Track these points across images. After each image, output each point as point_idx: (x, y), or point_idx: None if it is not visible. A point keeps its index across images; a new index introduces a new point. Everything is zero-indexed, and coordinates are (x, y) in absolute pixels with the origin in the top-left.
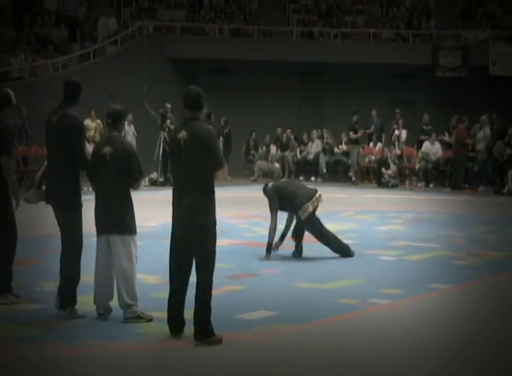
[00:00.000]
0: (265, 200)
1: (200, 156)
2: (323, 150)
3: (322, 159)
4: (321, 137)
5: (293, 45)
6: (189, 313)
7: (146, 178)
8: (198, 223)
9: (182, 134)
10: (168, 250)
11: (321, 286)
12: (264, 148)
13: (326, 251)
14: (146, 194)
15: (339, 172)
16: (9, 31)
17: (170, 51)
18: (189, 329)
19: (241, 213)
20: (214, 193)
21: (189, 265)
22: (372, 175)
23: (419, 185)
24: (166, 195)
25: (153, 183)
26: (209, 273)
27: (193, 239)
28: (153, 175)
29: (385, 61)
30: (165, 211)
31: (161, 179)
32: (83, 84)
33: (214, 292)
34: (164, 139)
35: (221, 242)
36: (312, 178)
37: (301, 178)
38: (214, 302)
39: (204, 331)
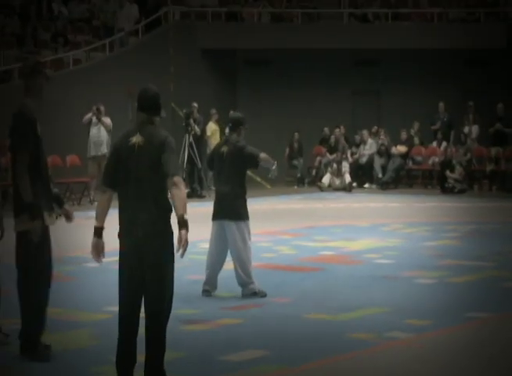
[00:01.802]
0: (298, 214)
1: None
2: (378, 151)
3: (377, 162)
4: (376, 137)
5: (345, 29)
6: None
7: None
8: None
9: (137, 139)
10: None
11: (333, 317)
12: (334, 165)
13: (354, 273)
14: None
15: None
16: (15, 24)
17: (201, 41)
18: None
19: (266, 229)
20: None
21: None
22: (436, 180)
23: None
24: (190, 209)
25: None
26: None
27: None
28: None
29: (453, 46)
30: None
31: (187, 190)
32: (98, 82)
33: (203, 327)
34: (190, 143)
35: (231, 265)
36: (366, 185)
37: (354, 184)
38: (198, 340)
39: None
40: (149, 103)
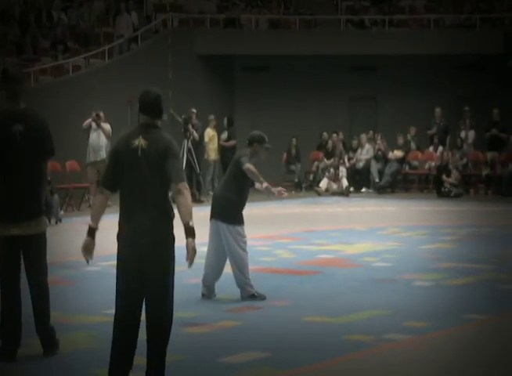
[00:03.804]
0: (296, 219)
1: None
2: (375, 156)
3: (374, 167)
4: (372, 141)
5: (342, 35)
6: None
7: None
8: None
9: (140, 141)
10: None
11: (333, 320)
12: (332, 170)
13: (352, 276)
14: None
15: (397, 181)
16: (14, 31)
17: (199, 47)
18: None
19: (266, 233)
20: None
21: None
22: (432, 184)
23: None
24: None
25: None
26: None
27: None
28: None
29: (449, 51)
30: (182, 232)
31: None
32: (98, 88)
33: (202, 330)
34: (188, 149)
35: (230, 268)
36: (363, 190)
37: (351, 189)
38: (197, 343)
39: None
40: (152, 106)
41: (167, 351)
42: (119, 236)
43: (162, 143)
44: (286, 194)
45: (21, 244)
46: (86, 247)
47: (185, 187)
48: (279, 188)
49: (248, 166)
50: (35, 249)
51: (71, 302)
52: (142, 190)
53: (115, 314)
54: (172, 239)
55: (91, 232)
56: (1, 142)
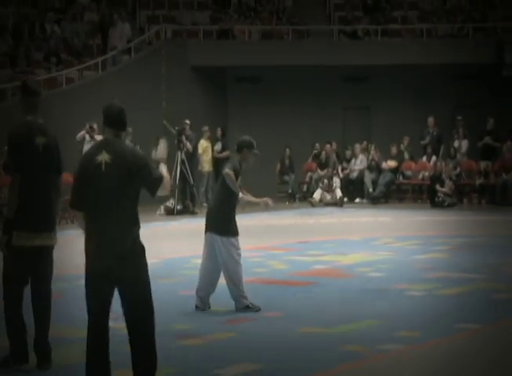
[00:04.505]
0: (290, 230)
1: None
2: (369, 166)
3: (368, 177)
4: (366, 152)
5: (335, 46)
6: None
7: (162, 207)
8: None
9: (103, 156)
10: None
11: (326, 330)
12: (325, 181)
13: (346, 287)
14: (160, 225)
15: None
16: (7, 43)
17: (192, 58)
18: None
19: (259, 244)
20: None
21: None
22: (426, 194)
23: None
24: (183, 225)
25: (170, 212)
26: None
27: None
28: (170, 203)
29: (442, 61)
30: (176, 244)
31: (179, 207)
32: (91, 100)
33: (196, 341)
34: (182, 160)
35: (223, 279)
36: (357, 200)
37: (345, 199)
38: (191, 355)
39: None
40: (117, 119)
41: (158, 361)
42: (87, 254)
43: (127, 155)
44: (271, 204)
45: (35, 255)
46: None
47: (164, 176)
48: (265, 198)
49: (228, 171)
50: (49, 260)
51: (63, 315)
52: (106, 203)
53: (88, 321)
54: (140, 247)
55: None
56: (26, 153)
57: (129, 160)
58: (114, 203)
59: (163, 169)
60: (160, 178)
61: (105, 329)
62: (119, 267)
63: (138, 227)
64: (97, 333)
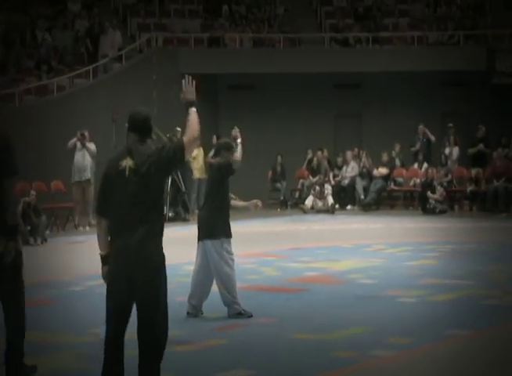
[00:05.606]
0: (282, 236)
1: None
2: (360, 173)
3: (359, 184)
4: (357, 159)
5: (326, 53)
6: None
7: None
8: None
9: (127, 162)
10: None
11: (318, 336)
12: (317, 188)
13: (338, 293)
14: None
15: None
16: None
17: (183, 66)
18: None
19: (251, 251)
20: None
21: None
22: (417, 201)
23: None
24: (176, 232)
25: None
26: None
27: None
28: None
29: (433, 68)
30: (168, 251)
31: (170, 214)
32: (82, 108)
33: (189, 348)
34: None
35: (216, 286)
36: (349, 207)
37: (336, 206)
38: (185, 361)
39: None
40: (142, 125)
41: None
42: (111, 255)
43: (149, 158)
44: (260, 205)
45: None
46: (105, 276)
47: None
48: (254, 200)
49: (210, 160)
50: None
51: (57, 321)
52: (131, 209)
53: (106, 333)
54: (162, 256)
55: (105, 260)
56: None
57: (150, 163)
58: (137, 207)
59: (192, 113)
60: (181, 146)
61: (121, 343)
62: (139, 272)
63: (162, 234)
64: (113, 347)
